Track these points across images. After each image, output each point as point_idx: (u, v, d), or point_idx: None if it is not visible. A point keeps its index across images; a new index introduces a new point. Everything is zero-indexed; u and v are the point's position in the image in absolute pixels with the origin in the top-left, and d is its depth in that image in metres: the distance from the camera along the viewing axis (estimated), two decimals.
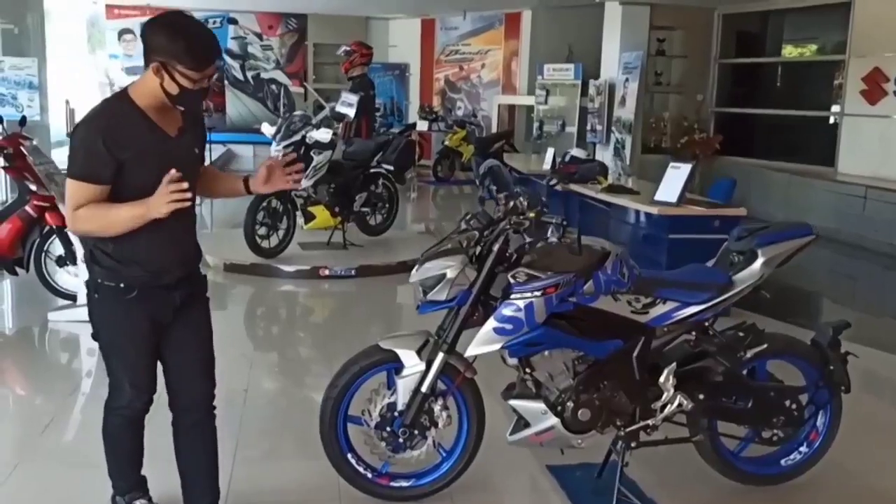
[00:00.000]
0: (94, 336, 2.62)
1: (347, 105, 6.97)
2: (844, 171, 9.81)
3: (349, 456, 2.99)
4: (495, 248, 2.84)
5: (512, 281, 2.78)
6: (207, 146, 9.43)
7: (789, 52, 11.64)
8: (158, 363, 2.68)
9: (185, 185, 2.34)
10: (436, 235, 8.89)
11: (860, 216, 8.67)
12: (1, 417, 4.04)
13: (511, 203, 3.01)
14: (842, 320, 3.21)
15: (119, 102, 2.45)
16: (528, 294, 2.74)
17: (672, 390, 2.95)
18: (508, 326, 2.75)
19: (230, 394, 4.17)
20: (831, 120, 10.35)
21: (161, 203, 2.34)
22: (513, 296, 2.76)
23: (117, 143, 2.35)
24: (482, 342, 2.79)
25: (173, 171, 2.34)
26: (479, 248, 2.87)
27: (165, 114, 2.45)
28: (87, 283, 2.57)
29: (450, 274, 2.80)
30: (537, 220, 2.76)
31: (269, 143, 6.93)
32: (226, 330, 5.50)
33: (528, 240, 2.89)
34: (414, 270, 2.93)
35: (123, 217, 2.39)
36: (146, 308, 2.53)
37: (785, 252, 3.02)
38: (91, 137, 2.36)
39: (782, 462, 3.24)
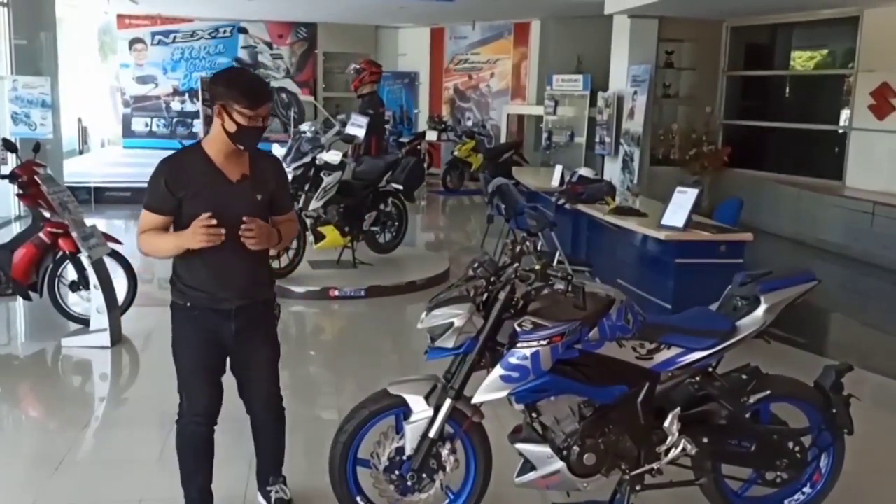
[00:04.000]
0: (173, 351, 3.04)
1: (357, 126, 7.03)
2: (853, 185, 9.81)
3: (358, 498, 3.05)
4: (502, 296, 2.88)
5: (518, 329, 2.82)
6: None
7: (798, 64, 11.63)
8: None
9: (213, 222, 2.74)
10: (446, 250, 8.96)
11: (868, 232, 8.66)
12: (14, 452, 4.03)
13: (517, 248, 3.07)
14: (844, 363, 3.24)
15: (191, 149, 2.96)
16: (535, 343, 2.78)
17: (676, 434, 2.99)
18: (515, 374, 2.80)
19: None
20: (840, 133, 10.34)
21: (192, 237, 2.78)
22: (519, 344, 2.80)
23: (176, 183, 2.84)
24: (489, 389, 2.85)
25: (206, 214, 2.75)
26: (485, 296, 2.92)
27: (232, 161, 2.89)
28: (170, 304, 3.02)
29: (457, 323, 2.85)
30: (543, 272, 2.81)
31: None
32: None
33: (533, 287, 2.93)
34: (423, 316, 2.97)
35: (167, 244, 2.89)
36: (206, 328, 2.95)
37: (788, 298, 3.06)
38: (158, 176, 2.87)
39: (785, 503, 3.27)
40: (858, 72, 9.80)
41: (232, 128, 2.78)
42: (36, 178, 5.17)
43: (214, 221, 2.75)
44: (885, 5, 9.20)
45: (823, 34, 11.17)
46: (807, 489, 3.26)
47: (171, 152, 3.02)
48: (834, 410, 3.13)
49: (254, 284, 3.00)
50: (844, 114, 10.25)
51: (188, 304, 2.95)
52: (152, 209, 2.89)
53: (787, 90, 11.90)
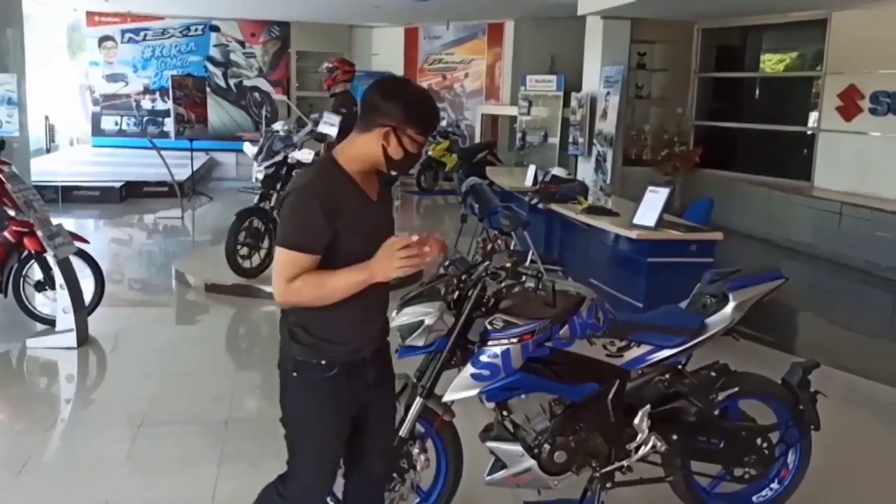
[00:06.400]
0: (284, 420, 2.46)
1: (329, 125, 6.96)
2: (820, 185, 9.96)
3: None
4: (473, 294, 2.87)
5: (489, 327, 2.82)
6: (189, 154, 9.41)
7: (767, 66, 11.77)
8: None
9: (414, 240, 2.28)
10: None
11: (835, 232, 8.80)
12: None
13: (489, 246, 3.06)
14: (811, 360, 3.29)
15: (331, 166, 2.33)
16: (505, 341, 2.78)
17: (647, 431, 3.01)
18: (486, 372, 2.80)
19: (212, 417, 4.22)
20: (808, 135, 10.49)
21: (389, 267, 2.24)
22: (490, 342, 2.80)
23: (334, 210, 2.23)
24: (460, 388, 2.83)
25: (404, 235, 2.32)
26: (456, 294, 2.91)
27: (367, 179, 2.37)
28: (283, 362, 2.42)
29: (428, 321, 2.84)
30: (513, 269, 2.81)
31: None
32: (207, 351, 5.55)
33: (504, 284, 2.93)
34: (393, 314, 2.95)
35: (343, 284, 2.26)
36: (345, 386, 2.38)
37: (756, 295, 3.09)
38: (308, 204, 2.22)
39: (754, 499, 3.31)
40: (826, 74, 9.95)
41: (398, 154, 2.28)
42: (0, 175, 5.07)
43: (416, 239, 2.27)
44: (853, 8, 9.35)
45: (793, 37, 11.33)
46: (775, 485, 3.30)
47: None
48: (801, 407, 3.18)
49: (387, 321, 2.57)
50: (813, 115, 10.40)
51: (323, 363, 2.35)
52: (303, 247, 2.22)
53: (758, 92, 12.05)
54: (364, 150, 2.31)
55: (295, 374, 2.40)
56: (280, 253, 2.26)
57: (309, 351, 2.36)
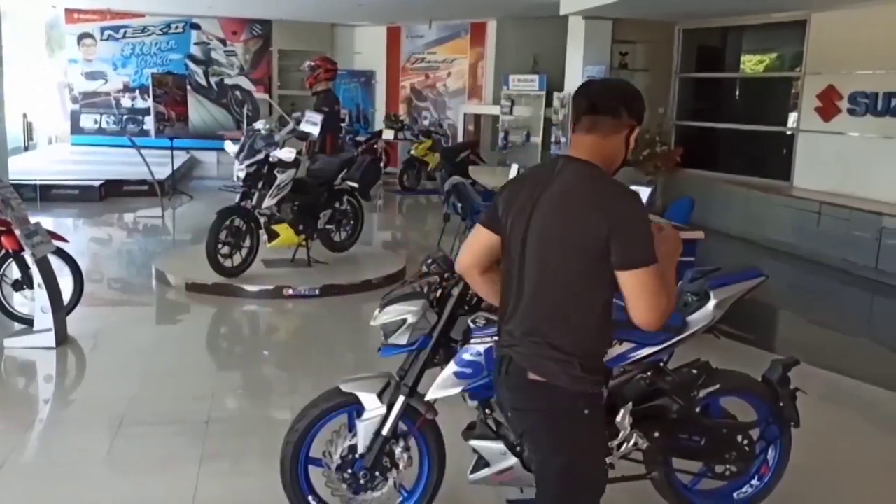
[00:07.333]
0: (568, 464, 2.24)
1: (312, 124, 6.95)
2: (800, 185, 10.05)
3: (310, 498, 3.01)
4: (455, 292, 2.87)
5: (472, 325, 2.82)
6: (170, 152, 9.29)
7: (748, 67, 11.87)
8: None
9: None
10: (403, 248, 8.93)
11: (815, 231, 8.88)
12: None
13: None
14: (791, 357, 3.31)
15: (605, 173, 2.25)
16: (488, 339, 2.77)
17: (628, 429, 3.01)
18: (468, 371, 2.79)
19: (194, 416, 4.19)
20: (788, 135, 10.59)
21: (677, 246, 2.32)
22: (473, 340, 2.80)
23: None
24: (443, 386, 2.83)
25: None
26: (439, 293, 2.91)
27: None
28: (567, 403, 2.19)
29: (410, 319, 2.84)
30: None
31: None
32: (188, 351, 5.51)
33: None
34: (376, 313, 2.95)
35: (672, 280, 2.26)
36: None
37: (736, 293, 3.10)
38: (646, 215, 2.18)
39: (735, 495, 3.33)
40: (806, 74, 10.04)
41: (626, 152, 2.32)
42: None
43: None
44: (832, 9, 9.44)
45: (772, 38, 11.42)
46: (755, 481, 3.32)
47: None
48: (781, 404, 3.20)
49: None
50: (792, 116, 10.50)
51: (604, 391, 2.32)
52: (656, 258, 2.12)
53: (738, 92, 12.14)
54: (613, 153, 2.26)
55: (587, 411, 2.20)
56: (652, 270, 2.07)
57: (597, 380, 2.24)
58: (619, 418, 3.00)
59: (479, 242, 2.47)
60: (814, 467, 3.70)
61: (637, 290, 2.08)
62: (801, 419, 3.22)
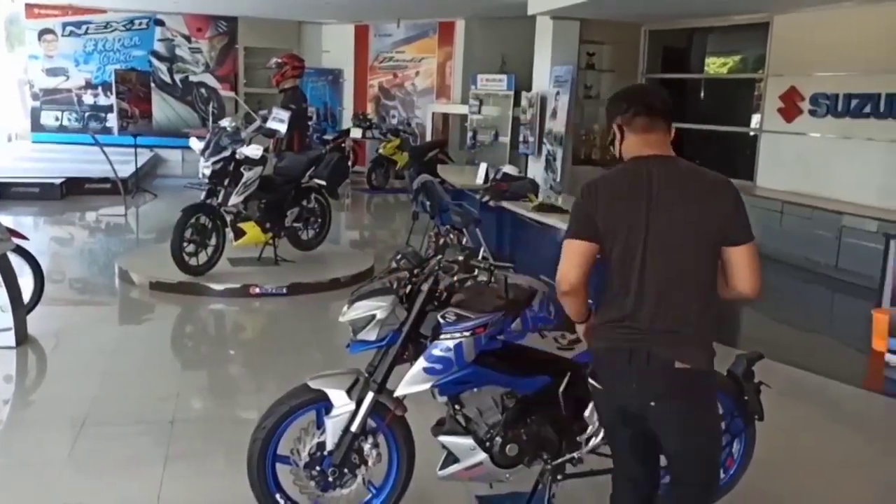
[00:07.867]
0: (715, 445, 2.58)
1: (279, 121, 6.88)
2: (763, 185, 10.20)
3: (277, 496, 2.98)
4: (425, 287, 2.87)
5: (442, 321, 2.81)
6: (133, 150, 9.19)
7: (712, 68, 12.03)
8: None
9: None
10: (371, 247, 8.90)
11: (777, 230, 9.02)
12: None
13: (441, 240, 3.06)
14: (755, 352, 3.36)
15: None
16: (458, 334, 2.78)
17: (597, 423, 3.03)
18: (438, 366, 2.79)
19: (159, 417, 4.12)
20: (752, 135, 10.74)
21: None
22: (442, 336, 2.79)
23: None
24: (412, 382, 2.82)
25: None
26: (409, 288, 2.90)
27: None
28: (703, 379, 2.42)
29: (379, 315, 2.82)
30: (466, 263, 2.80)
31: None
32: (152, 350, 5.42)
33: (456, 278, 2.92)
34: (344, 309, 2.93)
35: None
36: None
37: None
38: None
39: None
40: (768, 76, 10.19)
41: None
42: None
43: None
44: (794, 11, 9.60)
45: (736, 39, 11.57)
46: (720, 474, 3.35)
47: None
48: (745, 398, 3.24)
49: None
50: (756, 117, 10.65)
51: None
52: None
53: (703, 93, 12.29)
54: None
55: (712, 385, 2.50)
56: (755, 242, 2.39)
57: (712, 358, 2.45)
58: (587, 412, 3.02)
59: (582, 256, 2.52)
60: (777, 462, 3.75)
61: (749, 262, 2.36)
62: (765, 414, 3.26)
